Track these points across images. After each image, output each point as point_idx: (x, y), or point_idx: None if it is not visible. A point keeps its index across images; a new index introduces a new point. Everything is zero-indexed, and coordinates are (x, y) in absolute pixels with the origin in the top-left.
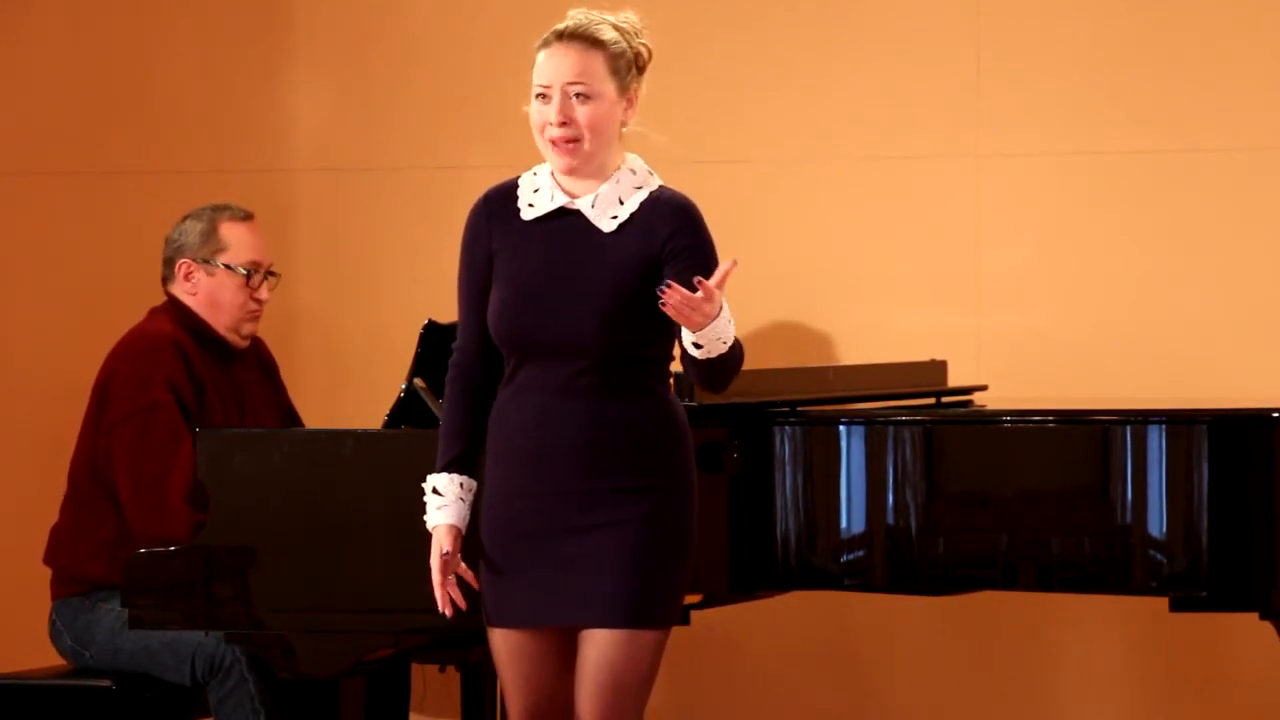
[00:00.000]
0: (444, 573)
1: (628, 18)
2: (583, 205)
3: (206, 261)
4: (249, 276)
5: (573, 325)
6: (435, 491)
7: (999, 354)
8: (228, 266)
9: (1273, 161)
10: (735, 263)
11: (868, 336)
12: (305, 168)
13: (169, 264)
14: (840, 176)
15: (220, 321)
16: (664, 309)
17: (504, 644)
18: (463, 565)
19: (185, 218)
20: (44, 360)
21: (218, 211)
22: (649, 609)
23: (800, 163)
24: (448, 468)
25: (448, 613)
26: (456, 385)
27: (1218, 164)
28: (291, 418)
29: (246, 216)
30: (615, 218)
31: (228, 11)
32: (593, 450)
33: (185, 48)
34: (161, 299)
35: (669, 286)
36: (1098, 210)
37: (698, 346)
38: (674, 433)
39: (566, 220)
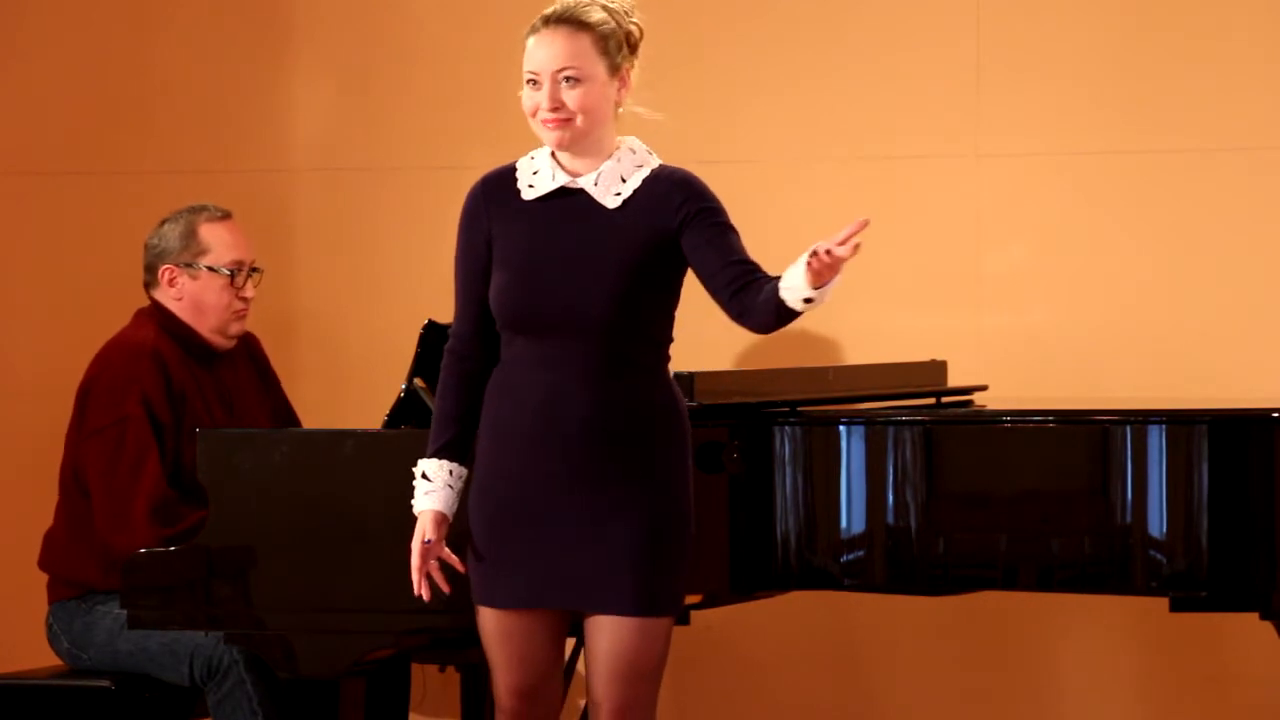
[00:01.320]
0: (423, 558)
1: None
2: (585, 183)
3: (189, 265)
4: (233, 276)
5: (582, 302)
6: (424, 476)
7: (999, 354)
8: (211, 269)
9: (1273, 161)
10: (867, 221)
11: (868, 336)
12: (305, 168)
13: (150, 270)
14: (840, 177)
15: (205, 325)
16: (809, 270)
17: (495, 624)
18: (446, 550)
19: (163, 222)
20: (43, 361)
21: (195, 213)
22: (659, 595)
23: (800, 163)
24: (438, 454)
25: (425, 596)
26: (451, 371)
27: (1218, 164)
28: (286, 413)
29: (225, 216)
30: (619, 194)
31: (227, 12)
32: (591, 431)
33: (185, 48)
34: None
35: (826, 252)
36: (1098, 210)
37: (808, 301)
38: (671, 416)
39: (569, 199)
